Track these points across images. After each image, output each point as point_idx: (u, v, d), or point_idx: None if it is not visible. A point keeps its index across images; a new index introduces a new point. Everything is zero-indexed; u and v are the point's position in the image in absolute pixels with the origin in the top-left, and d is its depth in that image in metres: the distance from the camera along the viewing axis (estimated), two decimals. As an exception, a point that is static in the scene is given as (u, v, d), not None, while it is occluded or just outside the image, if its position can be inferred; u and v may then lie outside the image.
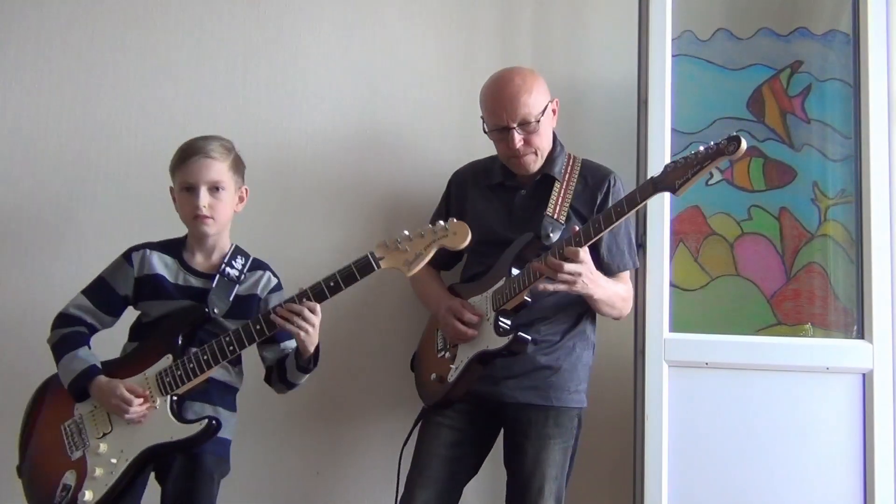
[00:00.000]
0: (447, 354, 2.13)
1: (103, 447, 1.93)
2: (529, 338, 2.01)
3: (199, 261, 2.08)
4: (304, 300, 1.91)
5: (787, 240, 2.41)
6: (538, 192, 2.17)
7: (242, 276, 2.07)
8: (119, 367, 1.99)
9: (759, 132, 2.44)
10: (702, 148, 1.80)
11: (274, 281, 2.13)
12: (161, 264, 2.05)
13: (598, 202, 2.15)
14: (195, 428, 1.93)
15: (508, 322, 2.03)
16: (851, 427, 2.19)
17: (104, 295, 2.05)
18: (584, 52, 2.62)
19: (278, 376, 2.08)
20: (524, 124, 2.10)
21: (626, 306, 2.18)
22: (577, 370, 2.15)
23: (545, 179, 2.18)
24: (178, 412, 1.95)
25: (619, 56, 2.53)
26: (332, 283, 1.93)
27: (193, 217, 2.01)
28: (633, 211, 1.93)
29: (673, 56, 2.30)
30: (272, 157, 2.63)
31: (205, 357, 1.93)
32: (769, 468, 2.19)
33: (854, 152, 2.32)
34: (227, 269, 2.06)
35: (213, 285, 2.03)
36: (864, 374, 2.19)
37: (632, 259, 2.19)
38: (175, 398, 1.95)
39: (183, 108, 2.63)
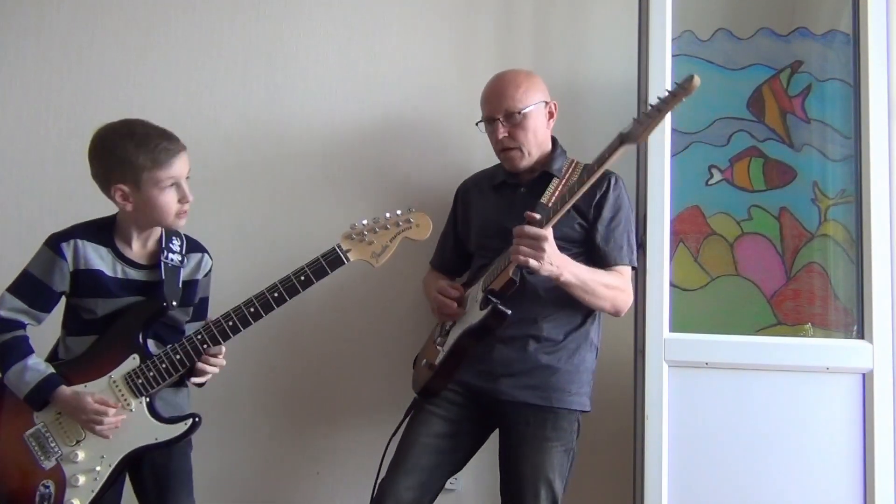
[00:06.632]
0: (440, 341, 2.16)
1: (81, 454, 1.90)
2: (508, 311, 1.98)
3: (135, 250, 1.99)
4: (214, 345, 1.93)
5: (787, 240, 2.41)
6: (537, 188, 2.18)
7: (184, 260, 2.03)
8: (76, 370, 1.92)
9: (759, 132, 2.44)
10: (658, 98, 1.82)
11: (210, 264, 2.10)
12: (97, 257, 1.94)
13: (598, 197, 2.14)
14: (180, 428, 1.93)
15: (491, 298, 2.02)
16: (851, 427, 2.18)
17: (40, 294, 1.93)
18: (584, 52, 2.62)
19: None
20: (508, 116, 2.15)
21: (617, 298, 2.12)
22: (580, 372, 2.13)
23: (544, 177, 2.19)
24: (155, 410, 1.94)
25: (619, 56, 2.53)
26: (302, 278, 1.93)
27: (177, 213, 1.95)
28: (602, 169, 1.87)
29: (673, 56, 2.30)
30: (272, 156, 2.64)
31: (177, 356, 1.92)
32: (769, 468, 2.19)
33: (854, 152, 2.32)
34: (169, 254, 2.00)
35: (163, 277, 1.97)
36: (864, 374, 2.19)
37: (629, 256, 2.16)
38: (149, 399, 1.94)
39: (183, 108, 2.63)
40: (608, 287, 2.10)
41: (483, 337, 2.05)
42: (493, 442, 2.21)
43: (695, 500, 2.20)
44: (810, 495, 2.18)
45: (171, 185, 1.92)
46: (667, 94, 1.79)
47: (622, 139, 1.84)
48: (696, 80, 1.74)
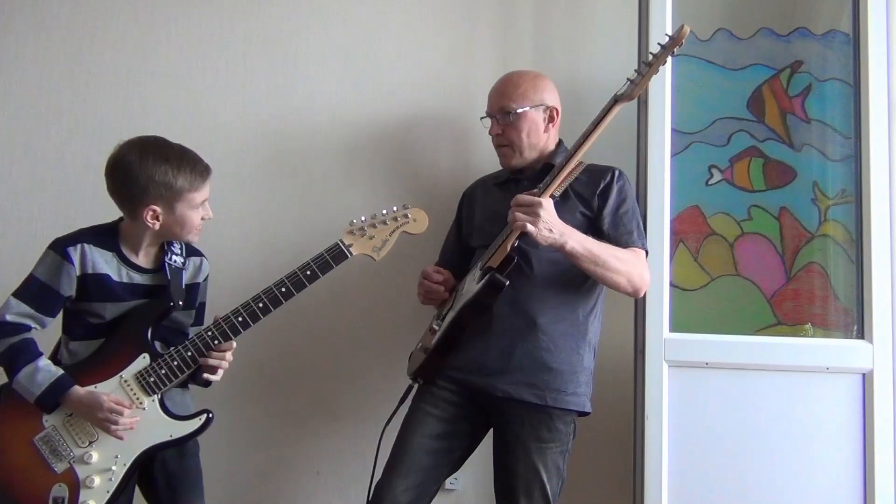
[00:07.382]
0: (436, 323, 2.15)
1: (95, 455, 1.90)
2: (506, 281, 1.97)
3: (140, 257, 2.00)
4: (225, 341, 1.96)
5: (787, 240, 2.41)
6: (540, 180, 2.16)
7: (186, 263, 2.06)
8: (84, 372, 1.92)
9: (759, 132, 2.44)
10: (651, 55, 1.89)
11: (208, 268, 2.13)
12: (103, 262, 1.95)
13: (602, 186, 2.14)
14: (195, 423, 1.95)
15: (489, 271, 2.01)
16: (851, 427, 2.18)
17: (47, 298, 1.92)
18: (584, 52, 2.62)
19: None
20: (502, 114, 2.20)
21: (632, 273, 2.06)
22: (577, 372, 2.11)
23: (546, 168, 2.19)
24: (167, 408, 1.95)
25: (619, 56, 2.53)
26: (308, 273, 1.98)
27: (196, 228, 2.01)
28: (599, 130, 1.98)
29: (673, 56, 2.30)
30: (272, 156, 2.64)
31: (188, 353, 1.94)
32: (769, 468, 2.19)
33: (854, 152, 2.32)
34: (172, 256, 2.03)
35: (168, 278, 1.99)
36: (864, 374, 2.19)
37: (641, 241, 2.13)
38: (160, 397, 1.94)
39: (183, 108, 2.63)
40: (621, 260, 2.05)
41: (480, 311, 2.02)
42: (492, 442, 2.21)
43: (695, 500, 2.20)
44: (810, 495, 2.18)
45: (200, 205, 1.98)
46: (659, 48, 1.83)
47: (616, 98, 1.94)
48: (686, 29, 1.84)
